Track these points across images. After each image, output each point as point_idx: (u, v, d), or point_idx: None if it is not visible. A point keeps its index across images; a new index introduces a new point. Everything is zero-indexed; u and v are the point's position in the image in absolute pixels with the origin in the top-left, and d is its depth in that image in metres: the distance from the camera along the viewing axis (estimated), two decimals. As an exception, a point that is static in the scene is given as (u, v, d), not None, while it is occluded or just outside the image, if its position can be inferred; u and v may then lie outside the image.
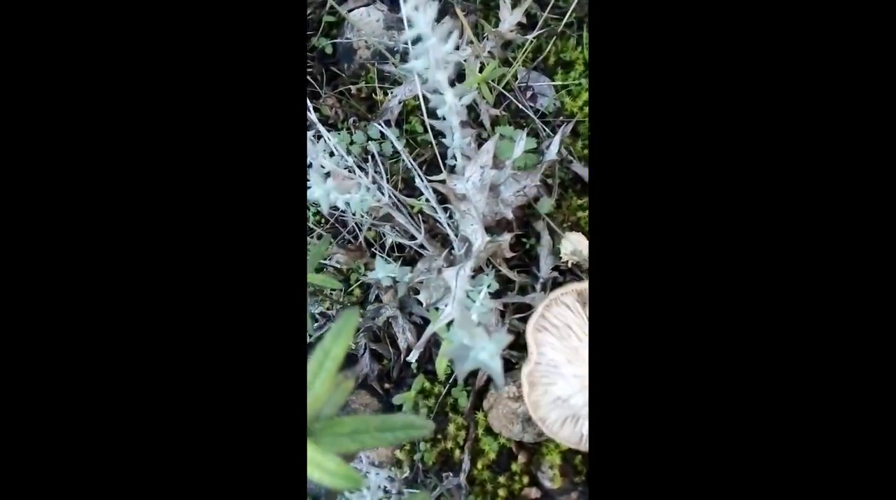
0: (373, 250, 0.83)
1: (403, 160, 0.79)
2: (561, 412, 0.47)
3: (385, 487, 0.61)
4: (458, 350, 0.40)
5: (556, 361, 0.47)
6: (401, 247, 0.83)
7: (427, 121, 0.64)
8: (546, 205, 0.74)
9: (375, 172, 0.63)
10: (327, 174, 0.60)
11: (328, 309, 0.84)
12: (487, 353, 0.35)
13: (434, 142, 0.72)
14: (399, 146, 0.67)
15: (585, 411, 0.46)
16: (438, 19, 0.42)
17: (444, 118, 0.56)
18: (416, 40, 0.42)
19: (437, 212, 0.70)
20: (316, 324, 0.87)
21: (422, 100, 0.53)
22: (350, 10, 0.93)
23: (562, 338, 0.47)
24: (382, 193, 0.65)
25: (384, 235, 0.81)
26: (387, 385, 0.79)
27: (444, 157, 0.79)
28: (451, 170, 0.70)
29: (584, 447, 0.47)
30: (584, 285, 0.50)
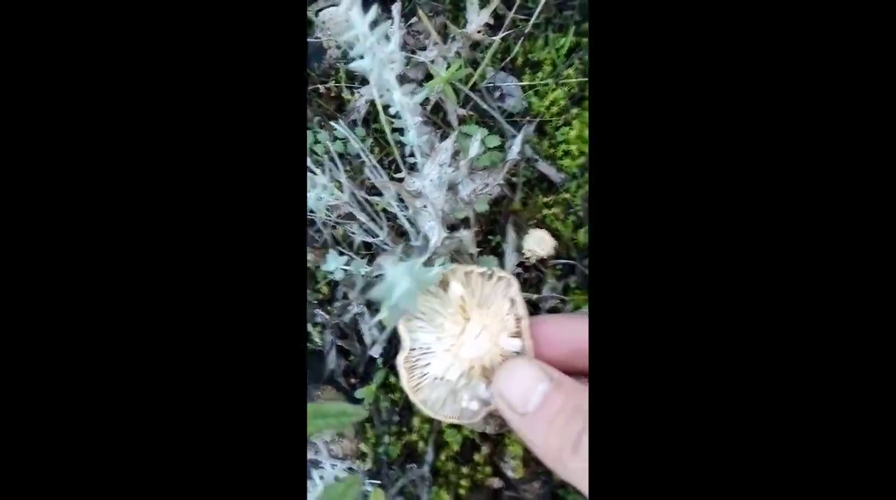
0: (339, 248, 0.84)
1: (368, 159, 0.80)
2: (441, 392, 0.50)
3: (342, 478, 0.62)
4: (382, 291, 0.40)
5: (428, 342, 0.50)
6: (369, 246, 0.84)
7: (383, 118, 0.66)
8: (468, 237, 0.71)
9: (331, 171, 0.65)
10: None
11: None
12: (405, 283, 0.38)
13: (395, 141, 0.74)
14: (359, 146, 0.69)
15: (462, 383, 0.49)
16: (380, 19, 0.43)
17: (400, 117, 0.57)
18: (357, 40, 0.44)
19: (398, 209, 0.72)
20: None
21: (377, 98, 0.54)
22: (319, 10, 0.95)
23: (430, 320, 0.50)
24: (342, 192, 0.66)
25: (353, 234, 0.82)
26: (353, 381, 0.81)
27: (411, 155, 0.81)
28: (413, 168, 0.71)
29: (465, 421, 0.49)
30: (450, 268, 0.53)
